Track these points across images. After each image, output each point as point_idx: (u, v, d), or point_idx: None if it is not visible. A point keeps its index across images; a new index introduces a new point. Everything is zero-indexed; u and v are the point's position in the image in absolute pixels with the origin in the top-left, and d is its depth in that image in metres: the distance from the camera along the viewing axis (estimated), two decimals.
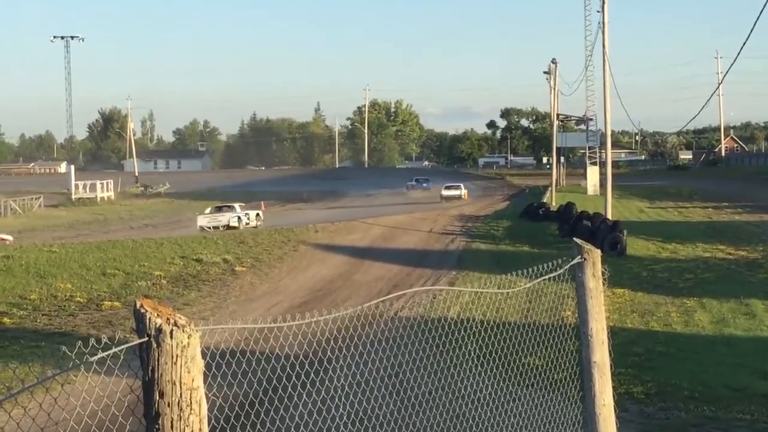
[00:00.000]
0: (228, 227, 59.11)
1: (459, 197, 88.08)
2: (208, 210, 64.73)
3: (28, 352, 22.06)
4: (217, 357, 6.47)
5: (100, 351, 4.37)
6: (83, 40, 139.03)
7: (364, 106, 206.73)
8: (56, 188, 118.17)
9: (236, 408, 7.75)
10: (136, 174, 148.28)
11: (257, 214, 64.36)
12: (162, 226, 68.96)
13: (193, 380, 4.28)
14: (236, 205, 64.57)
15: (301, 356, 9.03)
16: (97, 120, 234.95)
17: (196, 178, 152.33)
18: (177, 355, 4.23)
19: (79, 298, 31.32)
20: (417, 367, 10.97)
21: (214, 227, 59.13)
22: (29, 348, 22.88)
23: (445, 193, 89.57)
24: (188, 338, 4.27)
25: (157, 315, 4.26)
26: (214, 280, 35.86)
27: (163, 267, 37.95)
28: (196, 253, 41.04)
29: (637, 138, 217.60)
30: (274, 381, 9.71)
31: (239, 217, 61.46)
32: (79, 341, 4.61)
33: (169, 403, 4.23)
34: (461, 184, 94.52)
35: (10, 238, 58.61)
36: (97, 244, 43.76)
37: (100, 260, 38.37)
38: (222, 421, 6.86)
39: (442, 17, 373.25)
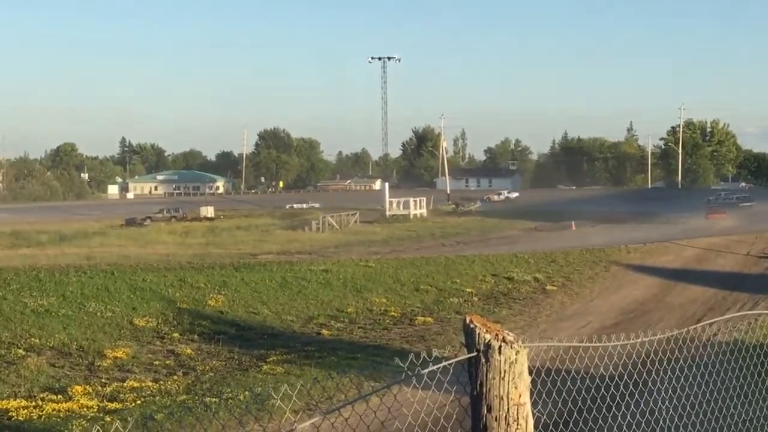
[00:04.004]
0: None
1: None
2: None
3: (345, 363, 22.81)
4: (533, 374, 6.53)
5: (430, 364, 4.51)
6: (399, 61, 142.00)
7: (679, 125, 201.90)
8: (371, 205, 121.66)
9: (560, 425, 7.77)
10: (448, 192, 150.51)
11: None
12: (473, 244, 69.70)
13: (520, 396, 4.35)
14: None
15: (615, 377, 8.95)
16: (410, 138, 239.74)
17: None
18: (505, 371, 4.32)
19: (393, 313, 32.14)
20: (736, 394, 10.65)
21: None
22: (346, 359, 23.67)
23: None
24: (516, 354, 4.35)
25: (486, 331, 4.36)
26: (525, 298, 36.00)
27: (475, 284, 38.41)
28: (507, 271, 41.32)
29: None
30: (589, 400, 9.68)
31: None
32: (411, 354, 4.77)
33: (496, 418, 4.32)
34: None
35: None
36: (411, 260, 44.74)
37: (413, 276, 39.22)
38: None
39: (761, 36, 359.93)
